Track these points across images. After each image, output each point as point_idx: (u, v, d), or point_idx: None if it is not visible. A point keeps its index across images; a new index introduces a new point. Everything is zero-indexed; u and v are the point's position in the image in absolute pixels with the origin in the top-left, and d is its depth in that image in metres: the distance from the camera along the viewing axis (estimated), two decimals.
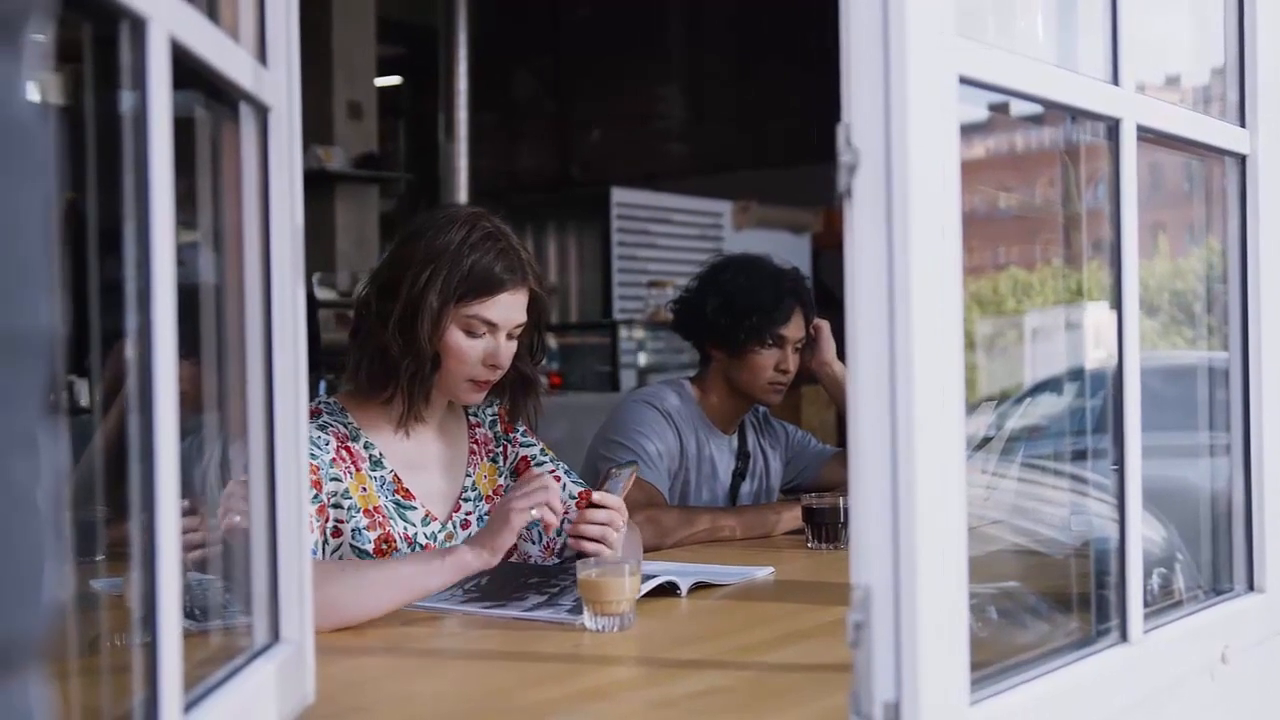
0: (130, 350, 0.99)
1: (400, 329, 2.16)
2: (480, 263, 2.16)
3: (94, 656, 1.19)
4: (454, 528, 2.28)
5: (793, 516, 2.79)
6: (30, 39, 0.58)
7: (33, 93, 0.58)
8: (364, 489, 2.18)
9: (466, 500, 2.33)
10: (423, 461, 2.29)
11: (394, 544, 2.17)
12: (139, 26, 0.97)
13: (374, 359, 2.20)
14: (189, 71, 1.09)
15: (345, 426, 2.21)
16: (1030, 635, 1.59)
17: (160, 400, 0.99)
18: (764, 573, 2.34)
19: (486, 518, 2.30)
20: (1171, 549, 1.80)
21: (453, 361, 2.20)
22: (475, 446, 2.37)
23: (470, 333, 2.19)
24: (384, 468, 2.22)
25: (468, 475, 2.34)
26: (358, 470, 2.18)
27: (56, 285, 0.58)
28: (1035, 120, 1.70)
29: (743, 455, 3.11)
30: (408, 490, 2.24)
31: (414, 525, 2.22)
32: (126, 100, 0.99)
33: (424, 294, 2.15)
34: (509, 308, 2.21)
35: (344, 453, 2.17)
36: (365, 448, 2.22)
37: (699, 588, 2.17)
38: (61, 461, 0.57)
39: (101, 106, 1.02)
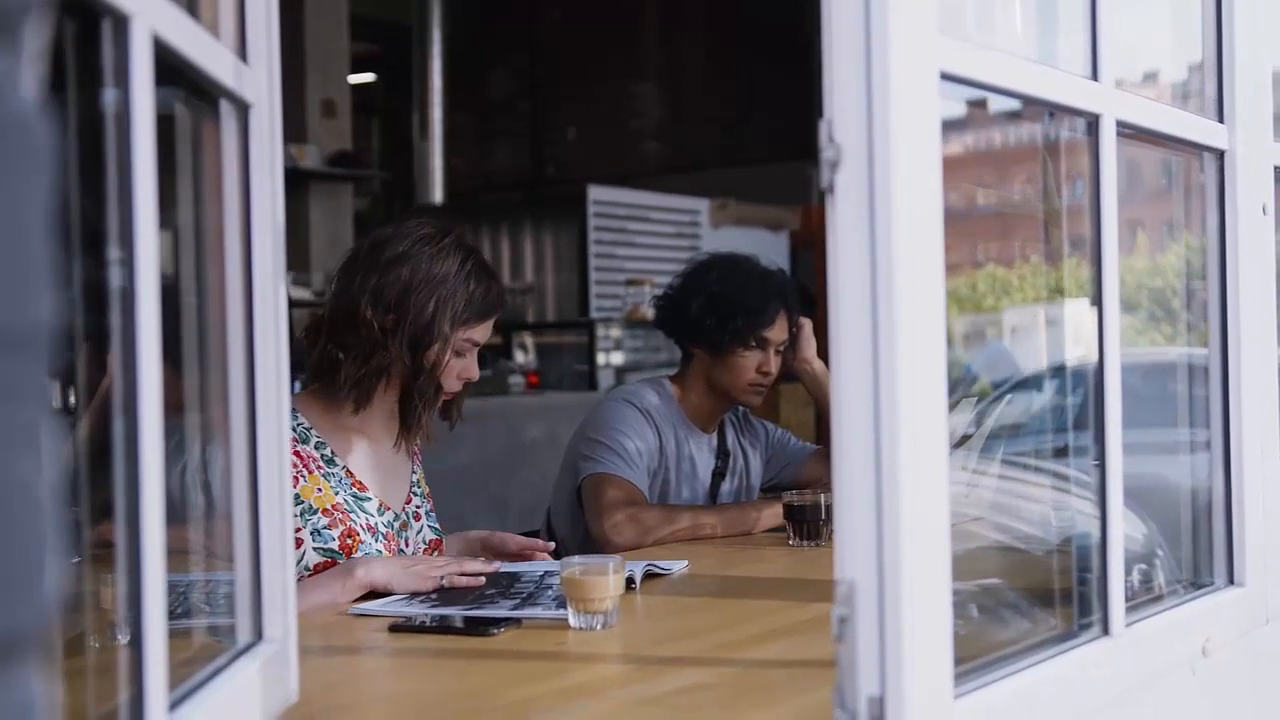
0: (113, 351, 0.98)
1: (410, 352, 2.23)
2: (479, 291, 2.27)
3: (75, 657, 1.18)
4: (407, 517, 2.37)
5: (773, 514, 2.79)
6: (29, 35, 0.58)
7: (31, 89, 0.58)
8: (319, 489, 2.22)
9: (416, 495, 2.42)
10: (374, 458, 2.34)
11: (358, 537, 2.21)
12: (121, 23, 0.97)
13: (375, 376, 2.24)
14: (168, 68, 1.08)
15: (294, 429, 2.23)
16: (1013, 630, 1.59)
17: (144, 401, 0.98)
18: (679, 566, 2.35)
19: (432, 514, 2.43)
20: (1151, 545, 1.81)
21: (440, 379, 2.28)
22: (415, 448, 2.46)
23: (459, 354, 2.28)
24: (337, 465, 2.27)
25: (413, 472, 2.43)
26: (310, 472, 2.22)
27: (54, 281, 0.58)
28: (1012, 117, 1.71)
29: (723, 454, 3.11)
30: (361, 483, 2.29)
31: (372, 515, 2.28)
32: (108, 97, 0.99)
33: (435, 321, 2.22)
34: (490, 329, 2.34)
35: (294, 457, 2.18)
36: (316, 448, 2.26)
37: (648, 578, 2.21)
38: (62, 457, 0.57)
39: (82, 103, 1.01)
